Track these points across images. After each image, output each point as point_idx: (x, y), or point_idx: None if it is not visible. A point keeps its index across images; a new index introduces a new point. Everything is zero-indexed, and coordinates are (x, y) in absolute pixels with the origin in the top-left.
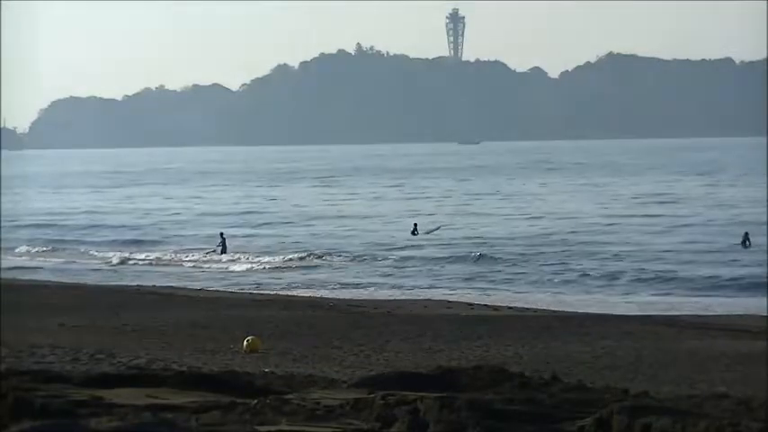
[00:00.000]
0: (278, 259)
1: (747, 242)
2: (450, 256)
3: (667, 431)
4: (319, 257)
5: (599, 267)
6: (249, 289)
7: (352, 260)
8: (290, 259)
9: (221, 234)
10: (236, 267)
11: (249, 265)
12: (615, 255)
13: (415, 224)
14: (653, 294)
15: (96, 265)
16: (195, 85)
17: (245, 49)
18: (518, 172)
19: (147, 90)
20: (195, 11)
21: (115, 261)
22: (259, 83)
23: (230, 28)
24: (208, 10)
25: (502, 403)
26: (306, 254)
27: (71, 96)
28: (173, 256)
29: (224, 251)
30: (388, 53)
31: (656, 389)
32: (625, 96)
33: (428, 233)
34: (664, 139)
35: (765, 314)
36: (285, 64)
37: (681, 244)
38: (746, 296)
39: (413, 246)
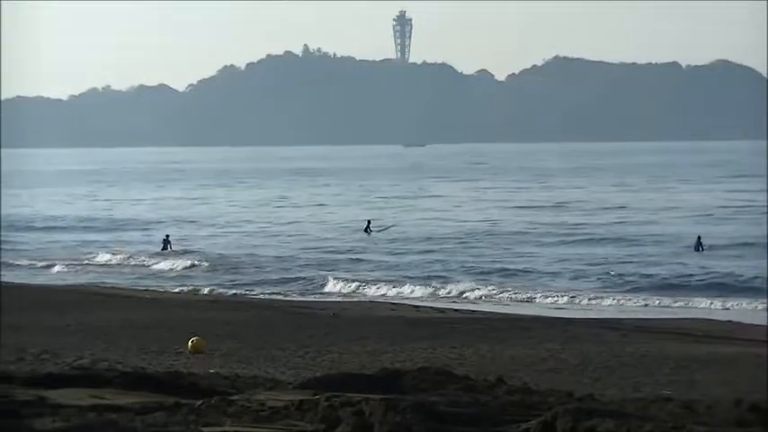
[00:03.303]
0: (217, 259)
1: (700, 246)
2: (400, 252)
3: None
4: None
5: (544, 269)
6: (195, 289)
7: (298, 260)
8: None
9: (166, 236)
10: (164, 266)
11: (188, 263)
12: (561, 258)
13: (369, 221)
14: (599, 298)
15: (29, 267)
16: (141, 86)
17: (192, 50)
18: (450, 175)
19: (94, 90)
20: (142, 11)
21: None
22: (205, 84)
23: (177, 29)
24: (155, 11)
25: (447, 405)
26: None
27: (17, 96)
28: (110, 256)
29: (164, 249)
30: (335, 55)
31: (600, 392)
32: (571, 99)
33: (381, 231)
34: (609, 143)
35: (710, 317)
36: (232, 65)
37: (630, 248)
38: (692, 299)
39: (363, 245)
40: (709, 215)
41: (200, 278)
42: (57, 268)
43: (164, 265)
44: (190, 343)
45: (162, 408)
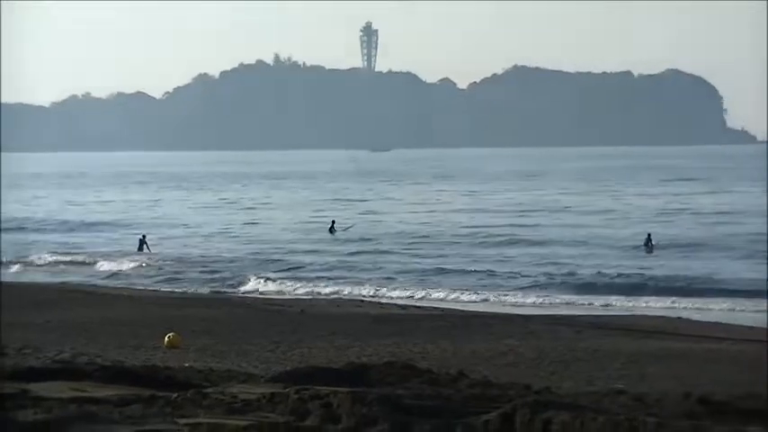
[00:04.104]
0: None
1: (650, 244)
2: (359, 252)
3: (567, 425)
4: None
5: (500, 268)
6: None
7: (266, 260)
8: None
9: (143, 236)
10: (110, 267)
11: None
12: (519, 257)
13: (333, 222)
14: (555, 295)
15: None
16: (120, 93)
17: (168, 59)
18: (409, 178)
19: (74, 97)
20: (119, 20)
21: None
22: (181, 91)
23: (154, 37)
24: (132, 19)
25: (411, 398)
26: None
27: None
28: (85, 257)
29: (140, 250)
30: (304, 64)
31: (556, 385)
32: (530, 107)
33: (344, 230)
34: (566, 148)
35: (660, 315)
36: (206, 73)
37: (578, 248)
38: (642, 297)
39: (328, 244)
40: (656, 216)
41: (133, 277)
42: (15, 268)
43: (108, 266)
44: (166, 338)
45: (139, 400)
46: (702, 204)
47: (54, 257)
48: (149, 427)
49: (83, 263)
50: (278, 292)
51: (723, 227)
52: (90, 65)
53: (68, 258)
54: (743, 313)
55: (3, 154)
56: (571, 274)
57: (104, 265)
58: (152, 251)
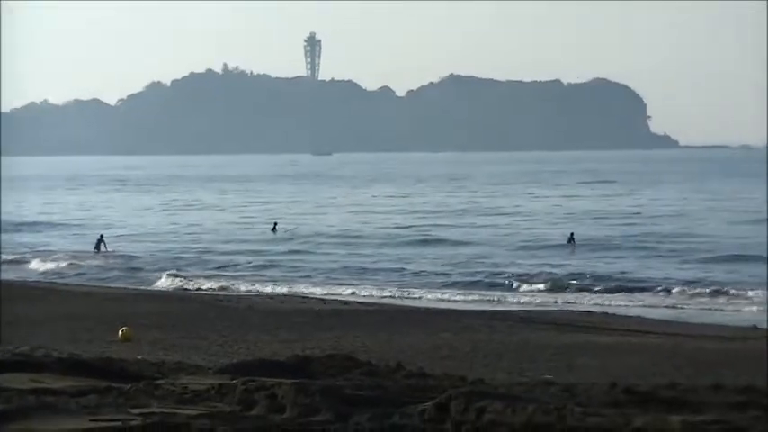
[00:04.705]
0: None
1: (572, 241)
2: (302, 250)
3: (500, 414)
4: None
5: (433, 266)
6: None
7: (211, 257)
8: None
9: (100, 236)
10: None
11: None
12: (446, 256)
13: (275, 223)
14: (489, 290)
15: None
16: (77, 100)
17: (122, 67)
18: (346, 182)
19: (33, 104)
20: (76, 29)
21: None
22: (134, 98)
23: (108, 46)
24: (86, 29)
25: (352, 389)
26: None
27: None
28: (18, 255)
29: (97, 249)
30: (251, 72)
31: (490, 376)
32: (465, 113)
33: (286, 232)
34: (497, 153)
35: (585, 309)
36: (158, 81)
37: (506, 246)
38: (571, 293)
39: (272, 243)
40: (578, 217)
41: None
42: None
43: (35, 264)
44: (120, 332)
45: (95, 391)
46: (619, 206)
47: None
48: (104, 417)
49: (16, 261)
50: (221, 288)
51: (639, 227)
52: (48, 73)
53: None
54: (661, 309)
55: None
56: (499, 273)
57: (36, 264)
58: (108, 250)
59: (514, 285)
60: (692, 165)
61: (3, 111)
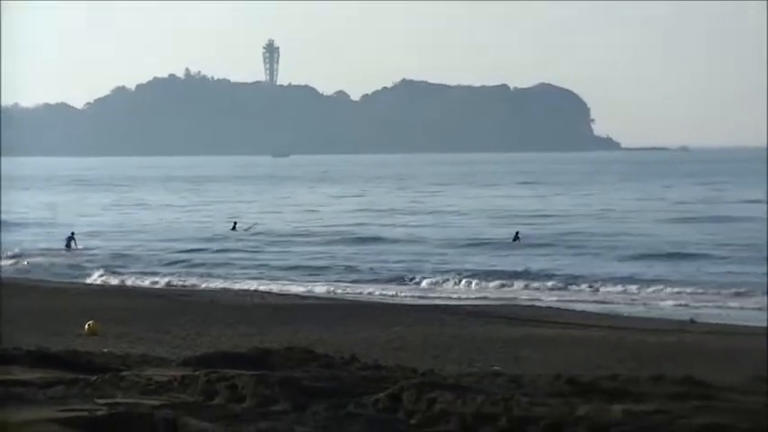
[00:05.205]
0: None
1: (518, 240)
2: (260, 248)
3: (450, 404)
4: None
5: (384, 263)
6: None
7: (176, 252)
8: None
9: (71, 233)
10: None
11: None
12: (394, 253)
13: (235, 222)
14: (438, 284)
15: None
16: (46, 104)
17: (88, 72)
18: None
19: (5, 108)
20: (42, 34)
21: None
22: (101, 102)
23: (74, 50)
24: (54, 33)
25: (309, 380)
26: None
27: None
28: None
29: (68, 247)
30: (213, 77)
31: (440, 368)
32: (417, 116)
33: (246, 230)
34: (450, 154)
35: (528, 304)
36: (123, 86)
37: (450, 243)
38: (514, 287)
39: (233, 240)
40: (521, 216)
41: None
42: None
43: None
44: (87, 326)
45: (62, 382)
46: (560, 204)
47: None
48: (71, 407)
49: None
50: (186, 285)
51: (571, 225)
52: (17, 77)
53: None
54: (603, 305)
55: None
56: (449, 270)
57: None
58: (79, 247)
59: (463, 282)
60: (631, 166)
61: None
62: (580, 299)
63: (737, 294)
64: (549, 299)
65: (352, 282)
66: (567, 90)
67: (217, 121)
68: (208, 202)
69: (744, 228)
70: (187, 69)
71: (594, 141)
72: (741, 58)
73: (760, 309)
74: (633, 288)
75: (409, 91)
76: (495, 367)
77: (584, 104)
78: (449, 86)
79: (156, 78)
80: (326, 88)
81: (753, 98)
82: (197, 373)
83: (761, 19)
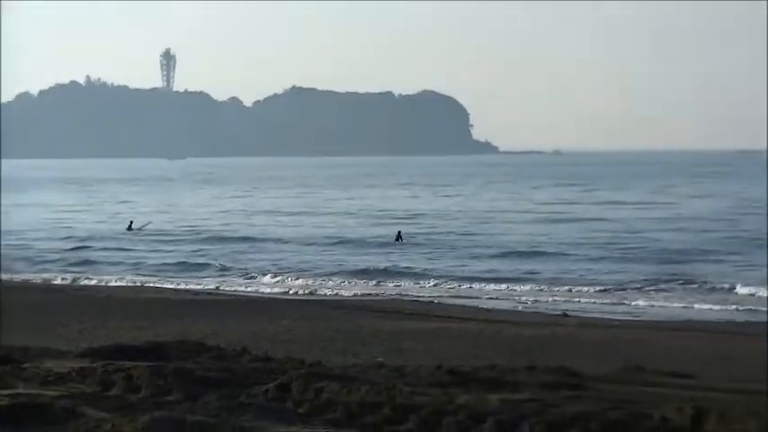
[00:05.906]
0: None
1: (400, 238)
2: (156, 248)
3: (336, 394)
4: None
5: (265, 261)
6: None
7: (73, 249)
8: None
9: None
10: None
11: None
12: (279, 252)
13: (131, 221)
14: (325, 280)
15: None
16: None
17: None
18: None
19: None
20: None
21: None
22: (3, 108)
23: None
24: None
25: (202, 371)
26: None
27: None
28: None
29: None
30: (112, 84)
31: (327, 359)
32: (306, 122)
33: (140, 228)
34: (339, 157)
35: (414, 299)
36: (27, 92)
37: (339, 242)
38: (398, 283)
39: (129, 239)
40: (400, 216)
41: None
42: None
43: None
44: None
45: None
46: (435, 204)
47: None
48: None
49: None
50: (83, 281)
51: (450, 224)
52: None
53: None
54: (478, 300)
55: None
56: (339, 262)
57: None
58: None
59: (346, 276)
60: (504, 168)
61: None
62: (458, 294)
63: (604, 291)
64: (430, 294)
65: (243, 277)
66: (449, 97)
67: (117, 126)
68: (103, 202)
69: (602, 227)
70: (88, 76)
71: (474, 145)
72: (614, 61)
73: (623, 303)
74: (506, 285)
75: (299, 97)
76: (379, 358)
77: (465, 110)
78: (337, 93)
79: (57, 84)
80: (220, 94)
81: (623, 103)
82: (95, 364)
83: (639, 24)
